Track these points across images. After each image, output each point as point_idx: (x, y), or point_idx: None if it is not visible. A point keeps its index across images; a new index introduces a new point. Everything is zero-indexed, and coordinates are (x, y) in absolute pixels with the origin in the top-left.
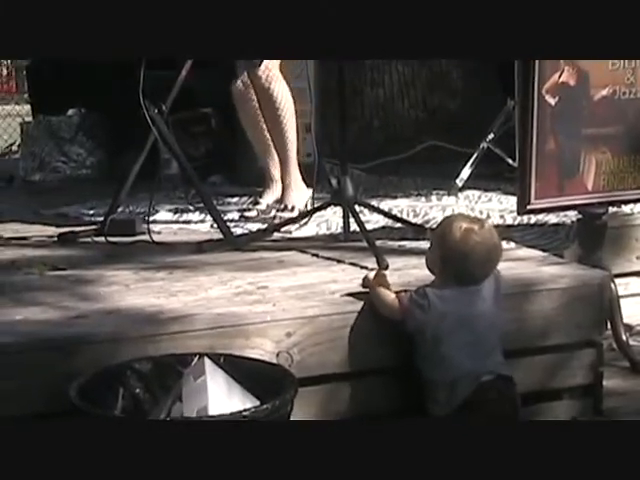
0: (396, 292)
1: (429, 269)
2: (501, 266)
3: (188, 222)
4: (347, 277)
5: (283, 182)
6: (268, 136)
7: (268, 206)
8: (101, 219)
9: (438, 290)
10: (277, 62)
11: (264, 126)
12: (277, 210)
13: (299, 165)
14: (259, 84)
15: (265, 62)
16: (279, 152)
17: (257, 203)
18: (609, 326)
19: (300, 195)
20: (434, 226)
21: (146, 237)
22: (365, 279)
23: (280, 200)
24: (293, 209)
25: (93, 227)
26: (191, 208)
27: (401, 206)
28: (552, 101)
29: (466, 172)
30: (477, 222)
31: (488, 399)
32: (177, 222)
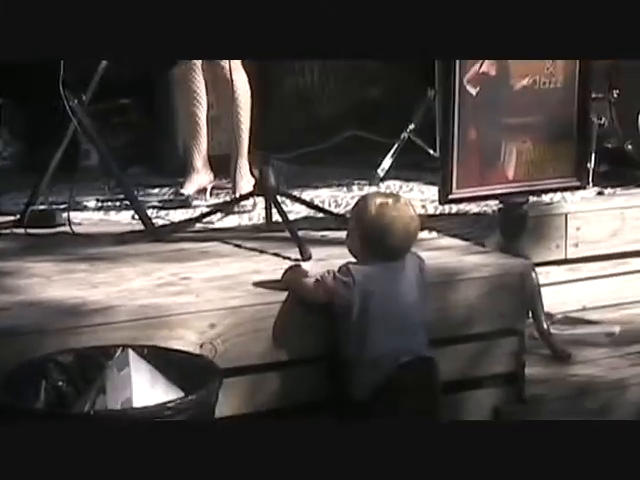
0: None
1: (350, 252)
2: (424, 255)
3: (109, 213)
4: (270, 268)
5: (235, 170)
6: (201, 124)
7: (190, 197)
8: (21, 211)
9: (361, 267)
10: None
11: (200, 113)
12: (233, 199)
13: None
14: (220, 73)
15: None
16: (233, 147)
17: (178, 194)
18: (530, 314)
19: (249, 183)
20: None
21: (67, 228)
22: (284, 274)
23: (233, 189)
24: (245, 197)
25: (12, 219)
26: (112, 199)
27: (323, 196)
28: (473, 91)
29: (387, 162)
30: (392, 196)
31: (408, 379)
32: (98, 213)
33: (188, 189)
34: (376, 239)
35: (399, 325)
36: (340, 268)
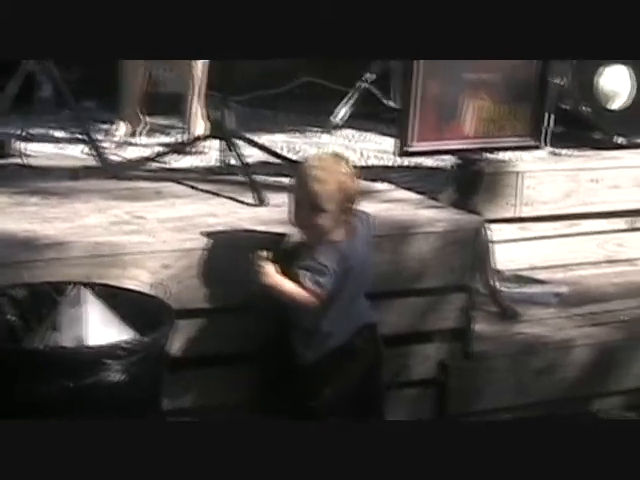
0: (294, 279)
1: (301, 227)
2: (379, 207)
3: (62, 147)
4: (225, 211)
5: (189, 111)
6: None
7: (123, 138)
8: None
9: (326, 253)
10: None
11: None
12: (184, 141)
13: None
14: None
15: None
16: (187, 86)
17: (111, 135)
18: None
19: (202, 125)
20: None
21: (19, 160)
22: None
23: (187, 129)
24: (202, 139)
25: None
26: (65, 132)
27: (277, 141)
28: None
29: (343, 110)
30: (330, 157)
31: (360, 346)
32: (51, 145)
33: (117, 134)
34: (336, 202)
35: (356, 295)
36: (314, 268)
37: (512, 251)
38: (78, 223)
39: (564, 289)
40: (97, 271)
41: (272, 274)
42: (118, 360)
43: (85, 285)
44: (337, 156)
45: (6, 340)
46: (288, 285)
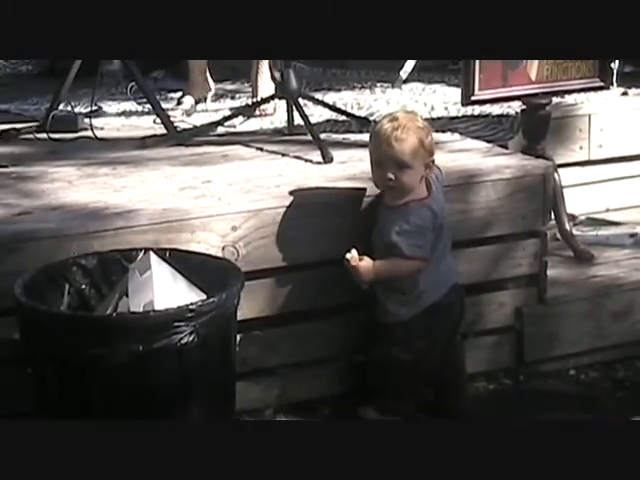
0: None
1: (386, 187)
2: (446, 157)
3: (131, 117)
4: (292, 171)
5: (255, 74)
6: None
7: (192, 105)
8: (43, 115)
9: (416, 212)
10: None
11: None
12: (248, 104)
13: None
14: None
15: None
16: None
17: (180, 103)
18: (553, 216)
19: (269, 87)
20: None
21: (89, 133)
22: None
23: (253, 92)
24: (267, 100)
25: (35, 124)
26: (134, 103)
27: (345, 99)
28: None
29: (410, 64)
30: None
31: (451, 302)
32: (120, 117)
33: (189, 98)
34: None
35: (445, 249)
36: (411, 232)
37: (586, 194)
38: (146, 190)
39: (639, 230)
40: (166, 237)
41: (370, 268)
42: (187, 322)
43: (153, 251)
44: (410, 112)
45: (79, 308)
46: (390, 266)
